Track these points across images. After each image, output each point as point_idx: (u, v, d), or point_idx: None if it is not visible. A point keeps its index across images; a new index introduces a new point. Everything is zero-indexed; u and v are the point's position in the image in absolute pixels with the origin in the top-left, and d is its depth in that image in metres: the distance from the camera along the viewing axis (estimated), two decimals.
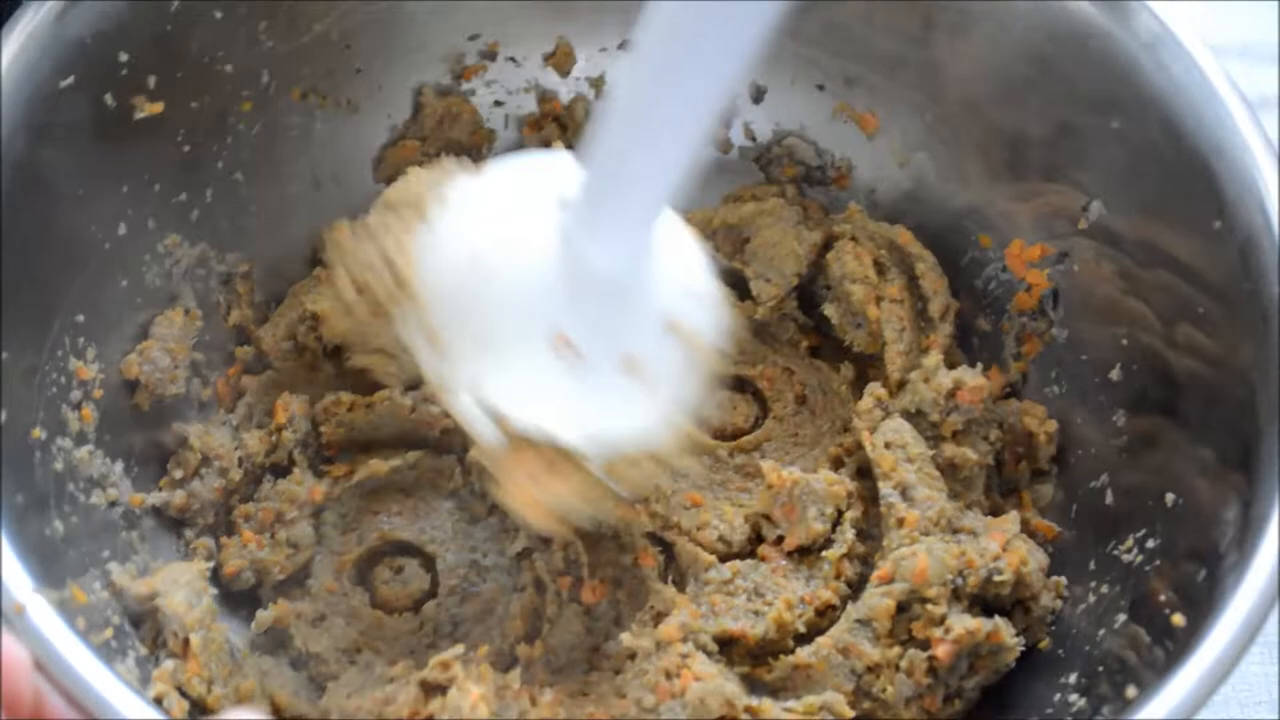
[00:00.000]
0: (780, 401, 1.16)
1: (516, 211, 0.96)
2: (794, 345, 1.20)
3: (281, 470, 1.10)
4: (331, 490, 1.10)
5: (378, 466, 1.10)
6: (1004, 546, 1.02)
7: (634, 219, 0.91)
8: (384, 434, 1.12)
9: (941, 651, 0.98)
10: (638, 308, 0.94)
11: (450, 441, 1.11)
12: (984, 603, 1.02)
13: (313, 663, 1.04)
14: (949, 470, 1.08)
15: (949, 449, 1.08)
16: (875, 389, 1.11)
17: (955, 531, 1.04)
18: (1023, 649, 1.01)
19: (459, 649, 0.98)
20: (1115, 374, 1.05)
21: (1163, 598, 0.93)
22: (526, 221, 0.94)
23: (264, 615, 1.05)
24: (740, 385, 1.18)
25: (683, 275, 0.98)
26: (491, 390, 0.92)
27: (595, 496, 0.96)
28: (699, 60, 0.80)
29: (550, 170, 0.98)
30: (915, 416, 1.09)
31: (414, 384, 1.09)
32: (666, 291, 0.96)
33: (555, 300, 0.92)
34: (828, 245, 1.17)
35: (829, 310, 1.16)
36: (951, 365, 1.11)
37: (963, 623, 0.99)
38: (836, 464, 1.12)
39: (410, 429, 1.11)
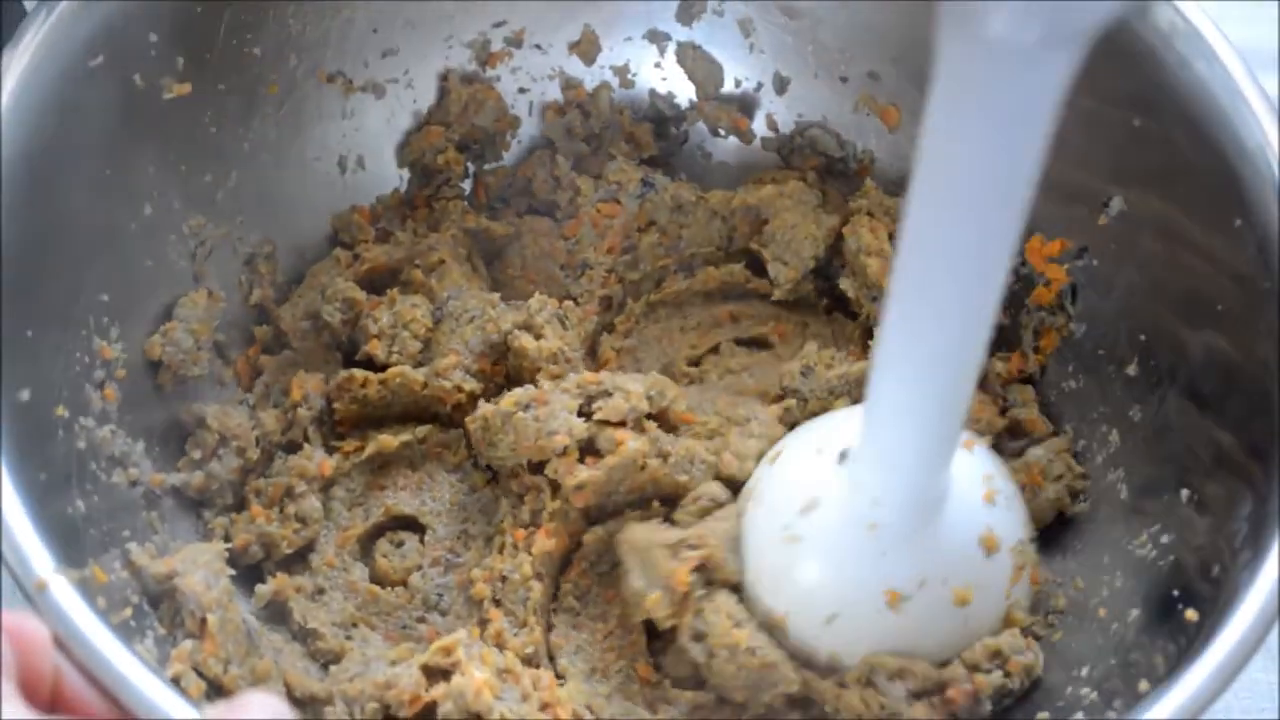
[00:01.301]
0: (790, 346, 1.17)
1: (815, 481, 0.98)
2: (811, 306, 1.20)
3: (295, 448, 1.11)
4: (341, 465, 1.10)
5: (387, 441, 1.11)
6: None
7: (930, 466, 0.92)
8: (395, 410, 1.12)
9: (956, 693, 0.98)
10: (951, 537, 0.96)
11: (460, 416, 1.11)
12: None
13: (310, 639, 1.04)
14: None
15: None
16: None
17: None
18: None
19: (461, 633, 0.98)
20: (1133, 369, 1.05)
21: (1176, 593, 0.94)
22: (827, 490, 0.97)
23: (263, 589, 1.05)
24: (752, 343, 1.19)
25: (982, 486, 0.99)
26: (842, 654, 0.97)
27: None
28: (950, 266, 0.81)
29: (839, 429, 0.99)
30: None
31: None
32: (970, 511, 0.97)
33: (874, 560, 0.95)
34: (844, 226, 1.18)
35: (845, 285, 1.17)
36: None
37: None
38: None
39: (422, 404, 1.12)
